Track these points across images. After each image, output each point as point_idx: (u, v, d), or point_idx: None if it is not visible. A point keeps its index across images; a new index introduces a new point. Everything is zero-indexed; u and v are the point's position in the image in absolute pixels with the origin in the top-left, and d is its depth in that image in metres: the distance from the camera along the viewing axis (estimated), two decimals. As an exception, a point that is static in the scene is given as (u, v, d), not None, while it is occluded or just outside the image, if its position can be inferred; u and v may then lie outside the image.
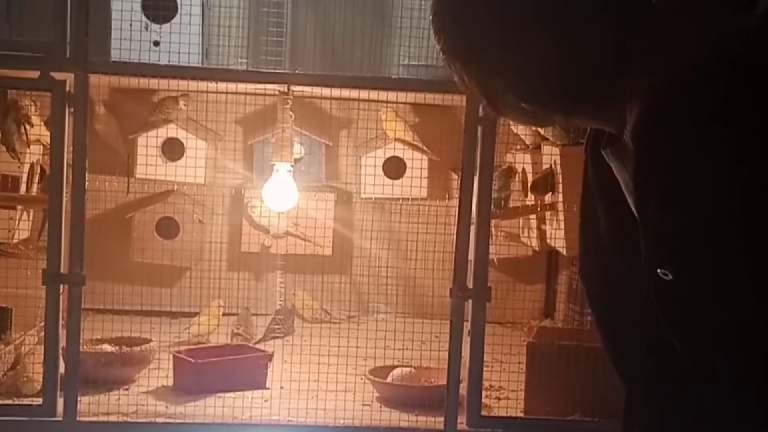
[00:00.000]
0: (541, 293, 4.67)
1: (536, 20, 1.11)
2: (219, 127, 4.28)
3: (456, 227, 3.19)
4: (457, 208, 3.19)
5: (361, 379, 3.49)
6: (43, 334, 3.13)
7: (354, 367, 3.49)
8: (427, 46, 3.79)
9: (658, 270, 1.03)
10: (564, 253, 3.78)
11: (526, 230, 4.11)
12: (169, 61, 3.30)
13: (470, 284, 3.16)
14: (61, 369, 3.09)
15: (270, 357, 3.56)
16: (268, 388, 3.45)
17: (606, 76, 1.11)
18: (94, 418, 3.11)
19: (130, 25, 3.64)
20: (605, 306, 1.32)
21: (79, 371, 3.09)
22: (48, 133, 3.24)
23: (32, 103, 3.52)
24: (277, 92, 3.71)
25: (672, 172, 1.00)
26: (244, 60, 4.17)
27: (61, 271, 3.06)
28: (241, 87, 3.86)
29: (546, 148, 3.76)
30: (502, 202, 3.84)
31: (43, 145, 3.59)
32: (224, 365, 3.48)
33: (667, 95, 1.02)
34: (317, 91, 3.78)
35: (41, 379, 3.10)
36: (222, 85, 3.77)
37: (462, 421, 3.16)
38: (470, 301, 3.16)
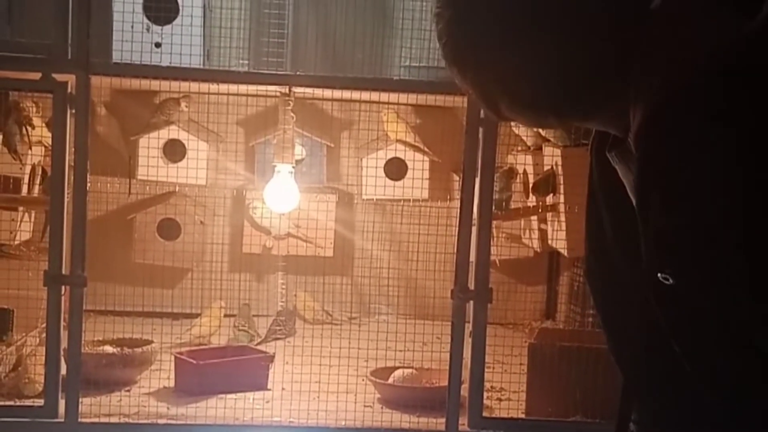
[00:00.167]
0: (542, 294, 4.67)
1: (536, 21, 1.11)
2: (220, 129, 4.28)
3: (457, 228, 3.19)
4: (459, 210, 3.19)
5: (363, 380, 3.49)
6: (44, 335, 3.13)
7: (355, 368, 3.49)
8: (428, 48, 3.79)
9: (659, 275, 1.03)
10: (565, 254, 3.78)
11: (527, 231, 4.12)
12: (170, 63, 3.30)
13: (471, 285, 3.16)
14: (63, 370, 3.09)
15: (271, 358, 3.56)
16: (269, 390, 3.45)
17: (606, 76, 1.11)
18: (96, 420, 3.11)
19: (132, 26, 3.64)
20: (610, 307, 1.32)
21: (81, 372, 3.09)
22: (49, 135, 3.24)
23: (34, 105, 3.52)
24: (278, 94, 3.71)
25: (673, 172, 1.01)
26: (246, 61, 4.18)
27: (63, 272, 3.06)
28: (243, 88, 3.86)
29: (547, 150, 3.76)
30: (504, 204, 3.84)
31: (45, 147, 3.60)
32: (226, 366, 3.48)
33: (667, 97, 1.02)
34: (318, 92, 3.78)
35: (43, 381, 3.10)
36: (223, 87, 3.77)
37: (463, 422, 3.16)
38: (471, 302, 3.16)
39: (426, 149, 4.35)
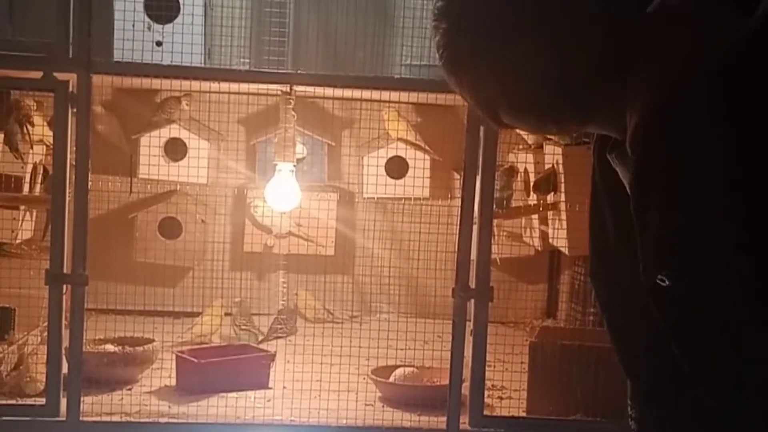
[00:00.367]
0: (543, 293, 4.68)
1: (535, 22, 1.11)
2: (221, 127, 4.28)
3: (458, 227, 3.19)
4: (460, 208, 3.19)
5: (364, 378, 3.50)
6: (46, 334, 3.14)
7: (356, 366, 3.49)
8: (430, 46, 3.79)
9: (657, 276, 1.03)
10: (566, 252, 3.78)
11: (528, 230, 4.12)
12: (171, 62, 3.30)
13: (473, 284, 3.16)
14: (64, 369, 3.09)
15: (272, 357, 3.57)
16: (270, 388, 3.45)
17: (606, 77, 1.11)
18: (97, 418, 3.11)
19: (133, 25, 3.64)
20: (613, 307, 1.32)
21: (82, 371, 3.10)
22: (51, 134, 3.24)
23: (35, 104, 3.52)
24: (279, 92, 3.71)
25: (673, 173, 1.01)
26: (247, 60, 4.18)
27: (64, 271, 3.06)
28: (244, 87, 3.86)
29: (548, 148, 3.76)
30: (505, 202, 3.85)
31: (46, 146, 3.60)
32: (227, 365, 3.48)
33: (667, 97, 1.02)
34: (320, 91, 3.78)
35: (44, 379, 3.10)
36: (224, 85, 3.77)
37: (464, 420, 3.16)
38: (473, 300, 3.16)
39: (427, 148, 4.35)
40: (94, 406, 3.15)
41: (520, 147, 4.03)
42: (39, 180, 3.71)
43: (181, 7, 3.87)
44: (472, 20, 1.14)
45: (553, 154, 3.69)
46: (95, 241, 3.24)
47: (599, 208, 1.26)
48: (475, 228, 3.17)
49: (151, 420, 3.13)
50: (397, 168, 4.39)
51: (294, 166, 3.82)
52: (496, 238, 3.61)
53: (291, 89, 3.58)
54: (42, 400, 3.09)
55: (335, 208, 4.43)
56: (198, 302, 4.14)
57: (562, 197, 3.61)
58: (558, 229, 3.69)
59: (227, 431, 3.15)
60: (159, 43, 3.71)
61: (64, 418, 3.06)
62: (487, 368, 3.20)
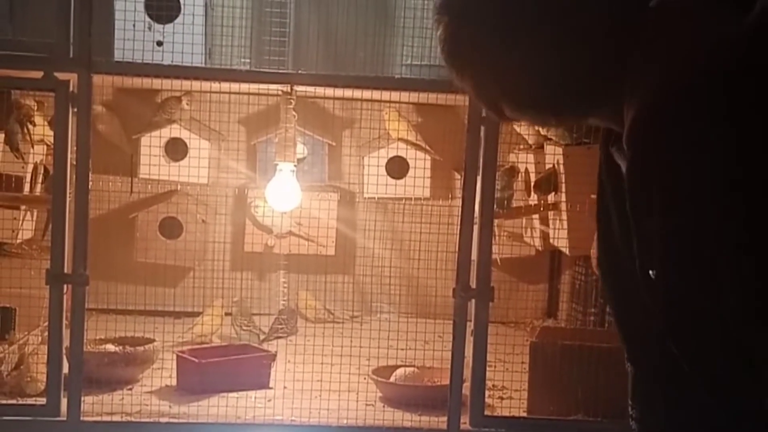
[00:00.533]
0: (544, 293, 4.68)
1: (536, 19, 1.11)
2: (222, 127, 4.29)
3: (459, 227, 3.19)
4: (460, 208, 3.19)
5: (364, 378, 3.50)
6: (46, 334, 3.14)
7: (357, 366, 3.50)
8: (430, 46, 3.79)
9: (650, 272, 1.03)
10: (567, 252, 3.78)
11: (528, 230, 4.12)
12: (172, 61, 3.30)
13: (473, 284, 3.16)
14: (65, 369, 3.09)
15: (273, 357, 3.57)
16: (271, 388, 3.45)
17: (606, 73, 1.11)
18: (98, 418, 3.11)
19: (134, 25, 3.64)
20: (620, 305, 1.32)
21: (83, 371, 3.10)
22: (51, 133, 3.24)
23: (36, 103, 3.52)
24: (280, 92, 3.71)
25: (672, 172, 1.00)
26: (247, 60, 4.18)
27: (65, 271, 3.06)
28: (244, 87, 3.86)
29: (549, 148, 3.76)
30: (505, 202, 3.85)
31: (47, 145, 3.60)
32: (227, 365, 3.48)
33: (667, 96, 1.02)
34: (320, 91, 3.78)
35: (45, 379, 3.10)
36: (225, 85, 3.78)
37: (465, 420, 3.16)
38: (473, 300, 3.16)
39: (427, 148, 4.35)
40: (94, 405, 3.15)
41: (521, 147, 4.03)
42: (40, 180, 3.71)
43: (182, 6, 3.86)
44: (474, 15, 1.14)
45: (554, 154, 3.69)
46: (96, 241, 3.24)
47: (605, 205, 1.26)
48: (475, 228, 3.17)
49: (152, 420, 3.13)
50: (397, 168, 4.39)
51: (295, 166, 3.82)
52: (496, 238, 3.62)
53: (291, 89, 3.58)
54: (43, 400, 3.09)
55: (336, 208, 4.43)
56: (198, 302, 4.15)
57: (563, 197, 3.61)
58: (559, 229, 3.69)
59: (228, 431, 3.15)
60: (160, 43, 3.71)
61: (64, 418, 3.06)
62: (487, 368, 3.20)
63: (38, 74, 3.07)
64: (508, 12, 1.12)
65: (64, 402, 3.07)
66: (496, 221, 3.35)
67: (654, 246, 1.02)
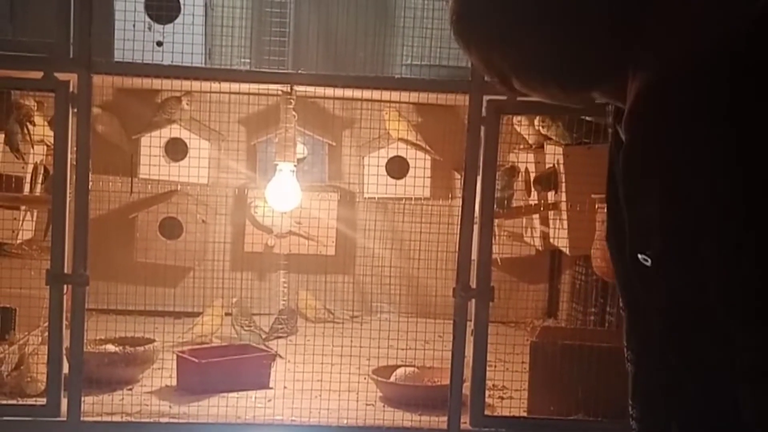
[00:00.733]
0: (544, 293, 4.67)
1: None
2: (222, 128, 4.28)
3: (459, 227, 3.19)
4: (460, 208, 3.19)
5: (365, 378, 3.50)
6: (46, 334, 3.14)
7: (357, 366, 3.50)
8: (430, 46, 3.79)
9: (639, 255, 1.03)
10: (567, 252, 3.78)
11: (529, 230, 4.12)
12: (172, 62, 3.30)
13: (473, 284, 3.16)
14: (65, 369, 3.09)
15: (273, 357, 3.57)
16: (271, 388, 3.45)
17: (611, 48, 1.10)
18: (98, 418, 3.11)
19: (134, 25, 3.64)
20: (625, 287, 1.31)
21: (83, 371, 3.10)
22: (51, 134, 3.24)
23: (35, 104, 3.52)
24: (280, 92, 3.71)
25: (669, 160, 1.00)
26: (247, 60, 4.18)
27: (65, 271, 3.06)
28: (244, 87, 3.86)
29: (549, 148, 3.76)
30: (505, 202, 3.85)
31: (47, 146, 3.60)
32: (228, 365, 3.48)
33: (666, 84, 1.01)
34: (320, 91, 3.78)
35: (45, 379, 3.10)
36: (225, 86, 3.77)
37: (465, 420, 3.16)
38: (473, 300, 3.16)
39: (428, 148, 4.35)
40: (94, 406, 3.15)
41: (521, 147, 4.03)
42: (40, 180, 3.71)
43: (182, 7, 3.87)
44: None
45: (554, 154, 3.69)
46: (96, 241, 3.23)
47: (615, 184, 1.25)
48: (475, 228, 3.17)
49: (152, 420, 3.13)
50: (397, 168, 4.39)
51: (295, 166, 3.82)
52: (496, 237, 3.61)
53: (291, 89, 3.58)
54: (43, 400, 3.09)
55: (336, 208, 4.43)
56: (199, 302, 4.15)
57: (563, 197, 3.61)
58: (559, 228, 3.69)
59: (228, 431, 3.15)
60: (159, 43, 3.71)
61: (64, 418, 3.06)
62: (488, 368, 3.20)
63: (38, 74, 3.07)
64: None
65: (64, 402, 3.07)
66: (496, 221, 3.35)
67: (650, 233, 1.02)
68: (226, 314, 4.05)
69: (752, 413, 0.98)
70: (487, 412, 3.20)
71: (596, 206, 3.34)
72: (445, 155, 4.34)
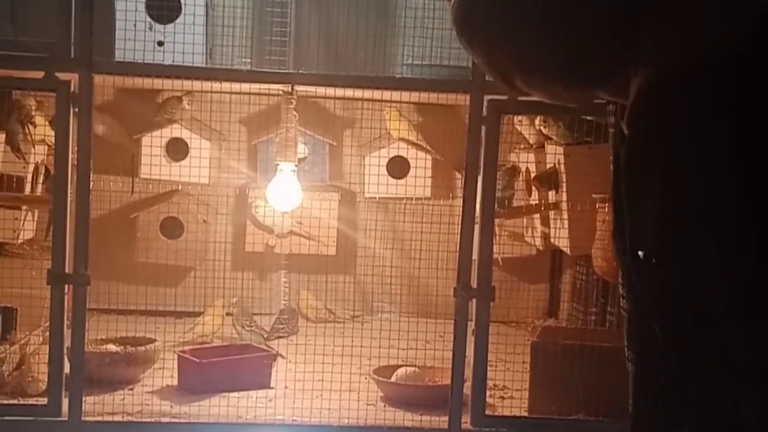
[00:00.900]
0: (545, 293, 4.68)
1: None
2: (223, 127, 4.29)
3: (460, 227, 3.19)
4: (461, 208, 3.19)
5: (366, 378, 3.50)
6: (48, 334, 3.14)
7: (358, 366, 3.50)
8: (431, 46, 3.79)
9: (639, 252, 1.03)
10: (568, 252, 3.78)
11: (529, 230, 4.12)
12: (173, 61, 3.30)
13: (474, 284, 3.16)
14: (66, 369, 3.10)
15: (274, 357, 3.57)
16: (272, 388, 3.45)
17: (613, 44, 1.10)
18: (99, 418, 3.12)
19: (135, 25, 3.64)
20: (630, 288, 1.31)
21: (84, 371, 3.10)
22: (52, 134, 3.24)
23: (36, 104, 3.53)
24: (280, 92, 3.71)
25: (670, 158, 1.00)
26: (248, 60, 4.18)
27: (66, 271, 3.06)
28: (245, 87, 3.86)
29: (550, 148, 3.76)
30: (506, 202, 3.85)
31: (48, 146, 3.60)
32: (229, 365, 3.49)
33: (669, 78, 1.01)
34: (321, 90, 3.78)
35: (46, 379, 3.10)
36: (226, 85, 3.78)
37: (466, 420, 3.16)
38: (474, 300, 3.16)
39: (428, 147, 4.35)
40: (96, 405, 3.15)
41: (522, 146, 4.03)
42: (41, 180, 3.71)
43: (183, 7, 3.87)
44: None
45: (555, 154, 3.69)
46: (97, 241, 3.24)
47: (618, 180, 1.25)
48: (476, 228, 3.17)
49: (153, 420, 3.13)
50: (398, 168, 4.39)
51: (295, 165, 3.82)
52: (497, 237, 3.61)
53: (292, 89, 3.58)
54: (44, 400, 3.09)
55: (337, 207, 4.44)
56: (199, 302, 4.15)
57: (564, 197, 3.61)
58: (559, 228, 3.69)
59: (229, 431, 3.15)
60: (160, 43, 3.72)
61: (65, 418, 3.06)
62: (488, 368, 3.20)
63: (39, 74, 3.07)
64: None
65: (65, 402, 3.07)
66: (497, 221, 3.35)
67: (650, 232, 1.02)
68: (227, 314, 4.06)
69: (752, 413, 0.98)
70: (487, 412, 3.20)
71: (597, 206, 3.34)
72: (446, 155, 4.34)
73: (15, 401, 3.17)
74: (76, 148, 3.06)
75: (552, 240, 3.82)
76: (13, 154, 3.47)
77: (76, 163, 3.08)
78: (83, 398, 3.09)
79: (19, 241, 3.67)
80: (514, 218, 4.09)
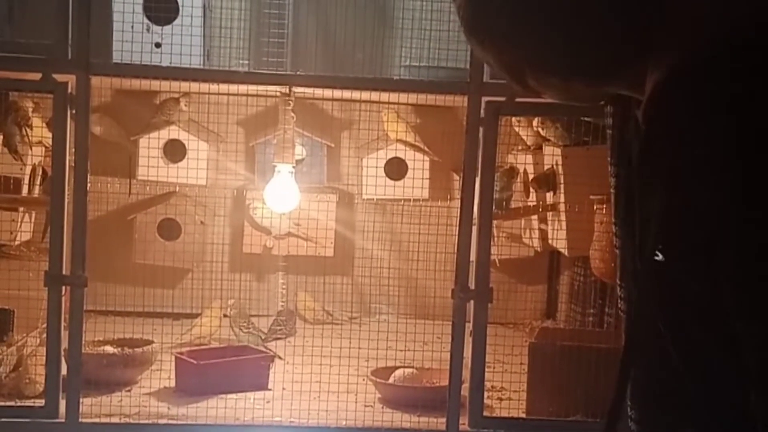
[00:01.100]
0: (542, 294, 4.68)
1: None
2: (220, 129, 4.28)
3: (458, 228, 3.19)
4: (459, 209, 3.19)
5: (363, 380, 3.49)
6: (45, 335, 3.13)
7: (356, 368, 3.49)
8: (428, 48, 3.79)
9: (651, 250, 1.02)
10: (565, 253, 3.79)
11: (527, 231, 4.12)
12: (170, 63, 3.30)
13: (472, 285, 3.16)
14: (64, 370, 3.09)
15: (271, 358, 3.56)
16: (270, 389, 3.45)
17: (629, 41, 1.09)
18: (97, 420, 3.11)
19: (132, 26, 3.64)
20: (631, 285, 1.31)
21: (81, 373, 3.10)
22: (50, 135, 3.24)
23: (34, 105, 3.52)
24: (278, 93, 3.71)
25: (681, 151, 0.99)
26: (246, 61, 4.18)
27: (63, 272, 3.06)
28: (243, 88, 3.85)
29: (547, 149, 3.77)
30: (504, 203, 3.85)
31: (45, 147, 3.60)
32: (226, 366, 3.48)
33: (677, 81, 1.01)
34: (319, 92, 3.78)
35: (43, 381, 3.10)
36: (223, 87, 3.76)
37: (464, 421, 3.16)
38: (472, 301, 3.16)
39: (426, 149, 4.35)
40: (93, 407, 3.14)
41: (520, 148, 4.03)
42: (38, 181, 3.71)
43: (180, 8, 3.87)
44: None
45: (553, 155, 3.69)
46: (94, 243, 3.23)
47: (630, 176, 1.25)
48: (474, 229, 3.17)
49: (151, 421, 3.13)
50: (396, 169, 4.39)
51: (293, 167, 3.82)
52: (495, 239, 3.62)
53: (290, 90, 3.58)
54: (41, 402, 3.09)
55: (334, 209, 4.43)
56: (197, 304, 4.14)
57: (562, 198, 3.61)
58: (557, 230, 3.70)
59: (227, 433, 3.15)
60: (158, 45, 3.72)
61: (63, 420, 3.06)
62: (486, 369, 3.20)
63: (36, 76, 3.07)
64: None
65: (62, 404, 3.07)
66: (494, 222, 3.35)
67: (663, 230, 1.01)
68: (224, 316, 4.05)
69: (764, 415, 0.98)
70: (485, 414, 3.20)
71: (595, 207, 3.34)
72: (444, 156, 4.34)
73: (12, 403, 3.17)
74: (73, 150, 3.06)
75: (550, 241, 3.82)
76: (11, 155, 3.47)
77: (73, 164, 3.08)
78: (80, 400, 3.08)
79: (16, 243, 3.67)
80: (511, 219, 4.08)
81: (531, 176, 3.89)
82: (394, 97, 4.03)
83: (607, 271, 3.26)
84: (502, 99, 3.13)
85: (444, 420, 3.17)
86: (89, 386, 3.18)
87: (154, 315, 4.04)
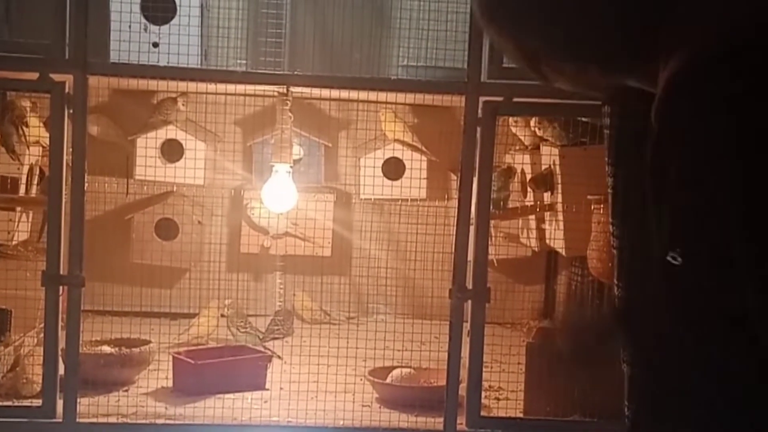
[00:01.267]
0: (540, 294, 4.67)
1: None
2: (218, 129, 4.28)
3: (455, 228, 3.19)
4: (456, 209, 3.19)
5: (361, 379, 3.49)
6: (42, 335, 3.13)
7: (353, 368, 3.49)
8: (426, 47, 3.79)
9: (669, 254, 1.02)
10: (563, 253, 3.78)
11: (525, 231, 4.12)
12: (168, 63, 3.30)
13: (469, 285, 3.16)
14: (61, 370, 3.09)
15: (269, 358, 3.56)
16: (267, 389, 3.45)
17: (644, 27, 1.09)
18: (94, 420, 3.11)
19: (129, 26, 3.64)
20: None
21: (79, 373, 3.09)
22: (47, 135, 3.24)
23: (31, 105, 3.52)
24: (276, 93, 3.71)
25: (689, 152, 0.99)
26: (243, 61, 4.17)
27: (61, 272, 3.06)
28: (240, 88, 3.85)
29: (545, 149, 3.77)
30: (502, 203, 3.85)
31: (43, 147, 3.59)
32: (224, 366, 3.48)
33: (686, 78, 1.00)
34: (316, 92, 3.78)
35: (41, 381, 3.10)
36: (221, 87, 3.77)
37: (461, 421, 3.16)
38: (469, 301, 3.16)
39: (424, 149, 4.35)
40: (90, 407, 3.14)
41: (517, 148, 4.03)
42: (35, 181, 3.71)
43: (178, 8, 3.86)
44: None
45: (550, 155, 3.69)
46: (92, 243, 3.23)
47: (625, 173, 1.25)
48: (472, 229, 3.17)
49: (148, 421, 3.13)
50: (393, 169, 4.38)
51: (291, 167, 3.82)
52: (493, 239, 3.61)
53: (288, 90, 3.58)
54: (38, 402, 3.09)
55: (332, 209, 4.43)
56: (195, 303, 4.14)
57: (559, 198, 3.61)
58: (555, 229, 3.70)
59: (224, 433, 3.15)
60: (155, 44, 3.71)
61: (60, 420, 3.06)
62: (484, 369, 3.20)
63: (34, 75, 3.06)
64: None
65: (59, 404, 3.07)
66: (492, 222, 3.35)
67: (680, 231, 1.01)
68: (222, 315, 4.05)
69: None
70: (483, 413, 3.20)
71: (592, 207, 3.34)
72: (442, 156, 4.34)
73: (9, 403, 3.16)
74: (70, 150, 3.05)
75: (547, 241, 3.82)
76: (8, 155, 3.47)
77: (70, 164, 3.08)
78: (78, 400, 3.08)
79: (14, 243, 3.66)
80: (509, 219, 4.08)
81: (528, 176, 3.89)
82: (391, 96, 4.03)
83: (605, 271, 3.26)
84: (500, 99, 3.13)
85: (441, 420, 3.17)
86: (86, 386, 3.17)
87: (152, 315, 4.04)
